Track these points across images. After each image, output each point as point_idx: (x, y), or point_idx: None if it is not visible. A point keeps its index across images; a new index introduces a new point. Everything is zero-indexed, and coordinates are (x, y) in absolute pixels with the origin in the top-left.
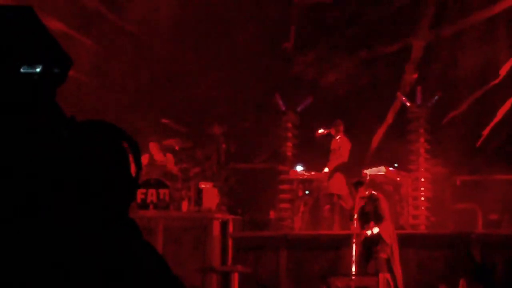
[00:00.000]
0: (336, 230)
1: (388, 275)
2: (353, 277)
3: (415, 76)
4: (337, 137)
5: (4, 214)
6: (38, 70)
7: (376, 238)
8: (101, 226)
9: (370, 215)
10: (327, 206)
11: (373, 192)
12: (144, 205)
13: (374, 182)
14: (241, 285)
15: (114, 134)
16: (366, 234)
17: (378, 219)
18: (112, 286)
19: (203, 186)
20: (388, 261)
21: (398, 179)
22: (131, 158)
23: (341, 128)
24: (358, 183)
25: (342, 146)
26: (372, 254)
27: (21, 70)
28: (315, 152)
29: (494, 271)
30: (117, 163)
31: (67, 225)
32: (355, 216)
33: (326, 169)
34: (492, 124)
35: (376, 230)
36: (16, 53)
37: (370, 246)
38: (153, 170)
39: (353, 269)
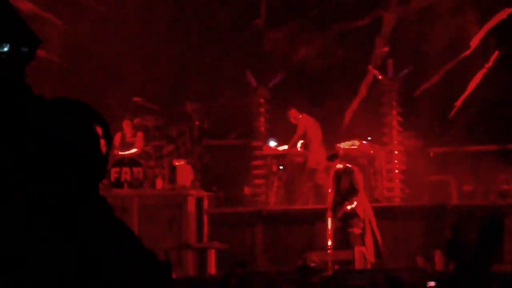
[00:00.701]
0: (311, 205)
1: (363, 248)
2: (329, 251)
3: (386, 49)
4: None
5: None
6: (5, 49)
7: (350, 213)
8: (72, 203)
9: (345, 189)
10: (308, 184)
11: (348, 165)
12: (118, 184)
13: (348, 156)
14: (218, 261)
15: (83, 112)
16: (346, 209)
17: (353, 192)
18: (84, 263)
19: (177, 163)
20: (362, 235)
21: (372, 152)
22: (100, 136)
23: (292, 114)
24: (333, 156)
25: (305, 128)
26: (347, 228)
27: None
28: (288, 127)
29: (467, 243)
30: (86, 141)
31: (37, 203)
32: (329, 190)
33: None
34: (464, 96)
35: (355, 203)
36: None
37: (345, 220)
38: (125, 149)
39: (329, 243)
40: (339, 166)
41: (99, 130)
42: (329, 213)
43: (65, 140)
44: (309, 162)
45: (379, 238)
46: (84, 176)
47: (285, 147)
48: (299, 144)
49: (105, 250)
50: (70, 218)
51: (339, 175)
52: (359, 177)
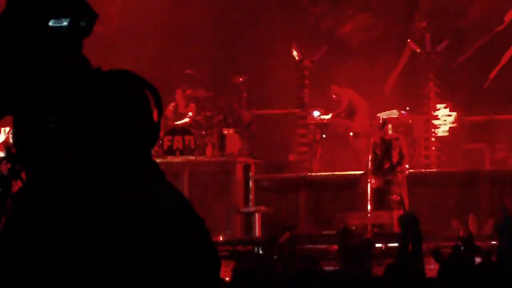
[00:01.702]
0: (352, 171)
1: (400, 212)
2: (369, 214)
3: (424, 24)
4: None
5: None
6: (65, 23)
7: (391, 179)
8: (127, 167)
9: (393, 155)
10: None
11: (394, 133)
12: (170, 152)
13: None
14: (263, 224)
15: (137, 83)
16: (398, 174)
17: (401, 158)
18: (138, 225)
19: (225, 132)
20: (401, 201)
21: (410, 121)
22: (153, 105)
23: (333, 91)
24: (385, 123)
25: (349, 100)
26: (387, 194)
27: (50, 24)
28: (331, 98)
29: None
30: (140, 110)
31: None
32: (369, 156)
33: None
34: (497, 68)
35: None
36: (45, 9)
37: (385, 186)
38: (178, 119)
39: (369, 207)
40: (390, 132)
41: (151, 99)
42: (370, 178)
43: (121, 108)
44: (354, 128)
45: (406, 205)
46: (137, 142)
47: (328, 116)
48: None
49: (157, 212)
50: (127, 181)
51: (389, 142)
52: (405, 146)
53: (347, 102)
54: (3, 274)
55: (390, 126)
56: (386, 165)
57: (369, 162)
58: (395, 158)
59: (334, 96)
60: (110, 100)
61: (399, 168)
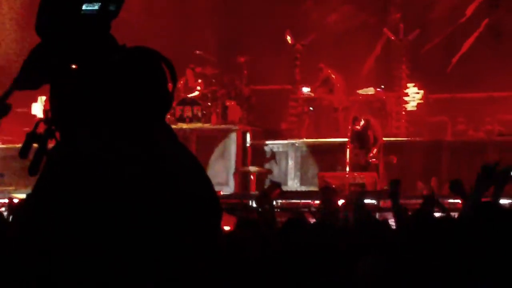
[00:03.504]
0: (334, 138)
1: (375, 174)
2: (347, 175)
3: (398, 15)
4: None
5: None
6: (97, 7)
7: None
8: (146, 128)
9: (368, 139)
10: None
11: (368, 119)
12: (181, 119)
13: (366, 100)
14: (257, 182)
15: (156, 58)
16: (369, 156)
17: (375, 141)
18: (153, 176)
19: (228, 104)
20: (376, 165)
21: (384, 97)
22: (168, 77)
23: (324, 74)
24: (355, 119)
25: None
26: (364, 158)
27: (83, 7)
28: (317, 77)
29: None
30: (157, 80)
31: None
32: (349, 126)
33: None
34: (459, 54)
35: (375, 151)
36: None
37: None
38: (188, 92)
39: (347, 169)
40: (362, 123)
41: (167, 72)
42: (349, 145)
43: (142, 79)
44: (333, 103)
45: (381, 169)
46: (155, 108)
47: (308, 89)
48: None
49: (170, 166)
50: (147, 138)
51: (361, 133)
52: (378, 128)
53: (323, 78)
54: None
55: (361, 120)
56: (363, 149)
57: (348, 141)
58: (370, 141)
59: (319, 71)
60: (134, 72)
61: (374, 148)
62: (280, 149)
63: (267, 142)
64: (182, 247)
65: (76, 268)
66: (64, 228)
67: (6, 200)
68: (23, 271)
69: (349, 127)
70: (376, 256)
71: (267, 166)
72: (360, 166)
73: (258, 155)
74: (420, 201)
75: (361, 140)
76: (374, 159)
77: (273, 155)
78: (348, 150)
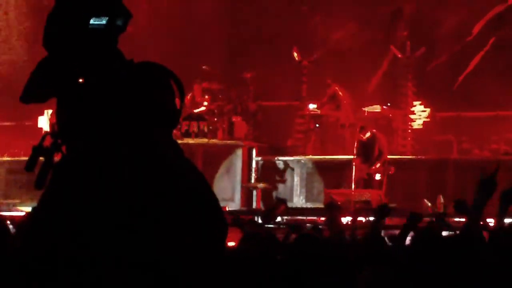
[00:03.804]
0: (340, 155)
1: (381, 192)
2: (352, 192)
3: (405, 33)
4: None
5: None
6: (104, 22)
7: (371, 173)
8: (152, 143)
9: (373, 152)
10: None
11: (374, 131)
12: (187, 134)
13: (372, 118)
14: (263, 198)
15: (163, 73)
16: (372, 169)
17: (380, 155)
18: (159, 192)
19: (234, 119)
20: (381, 182)
21: (390, 115)
22: (176, 93)
23: (331, 90)
24: (362, 128)
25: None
26: (370, 175)
27: (91, 22)
28: (325, 93)
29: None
30: (164, 95)
31: (125, 142)
32: (355, 144)
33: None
34: (466, 72)
35: (378, 165)
36: (87, 8)
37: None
38: (194, 107)
39: (353, 186)
40: (368, 135)
41: (175, 88)
42: (355, 161)
43: (149, 94)
44: (340, 120)
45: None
46: (162, 123)
47: (315, 106)
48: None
49: (181, 177)
50: (154, 153)
51: (366, 143)
52: (384, 142)
53: (330, 94)
54: (47, 232)
55: (368, 132)
56: (367, 162)
57: (354, 153)
58: (375, 154)
59: (327, 87)
60: (141, 87)
61: (378, 163)
62: (286, 166)
63: (273, 158)
64: (186, 261)
65: (79, 278)
66: (69, 240)
67: (13, 213)
68: (28, 283)
69: (356, 137)
70: (377, 267)
71: (272, 182)
72: (363, 180)
73: (264, 171)
74: (427, 219)
75: (366, 152)
76: (378, 173)
77: (279, 172)
78: (354, 167)
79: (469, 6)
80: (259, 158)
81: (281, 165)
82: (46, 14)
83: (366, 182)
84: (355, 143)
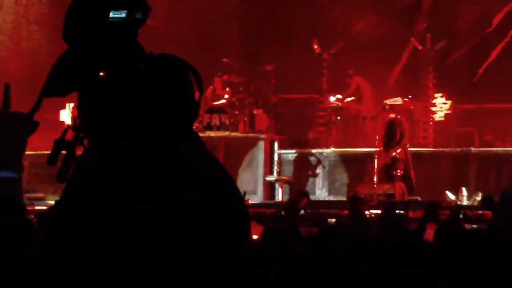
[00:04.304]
0: (362, 147)
1: (402, 184)
2: (375, 185)
3: (425, 25)
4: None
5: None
6: (123, 15)
7: (395, 156)
8: (172, 136)
9: (394, 136)
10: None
11: (398, 116)
12: (209, 127)
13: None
14: (285, 191)
15: (182, 66)
16: (392, 154)
17: (399, 141)
18: (180, 186)
19: (255, 112)
20: (402, 175)
21: (412, 107)
22: (195, 86)
23: (354, 81)
24: (391, 107)
25: (357, 86)
26: (391, 168)
27: (111, 15)
28: (345, 86)
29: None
30: (184, 88)
31: (146, 135)
32: (377, 137)
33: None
34: (486, 64)
35: (399, 151)
36: (106, 1)
37: (391, 162)
38: (215, 100)
39: (375, 179)
40: (392, 116)
41: (193, 80)
42: (376, 155)
43: (169, 87)
44: (362, 112)
45: (413, 177)
46: (182, 116)
47: (339, 96)
48: (349, 99)
49: (202, 170)
50: (174, 146)
51: (391, 123)
52: (406, 127)
53: (354, 86)
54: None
55: (393, 111)
56: (389, 143)
57: (377, 141)
58: (396, 137)
59: (348, 79)
60: (161, 80)
61: (398, 147)
62: (308, 158)
63: (295, 151)
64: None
65: (103, 274)
66: (92, 234)
67: (36, 207)
68: (51, 279)
69: (381, 117)
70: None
71: (294, 175)
72: (385, 172)
73: (286, 164)
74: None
75: (388, 134)
76: (400, 170)
77: (301, 164)
78: (376, 160)
79: None
80: (281, 151)
81: (303, 158)
82: (65, 6)
83: (388, 173)
84: (379, 124)
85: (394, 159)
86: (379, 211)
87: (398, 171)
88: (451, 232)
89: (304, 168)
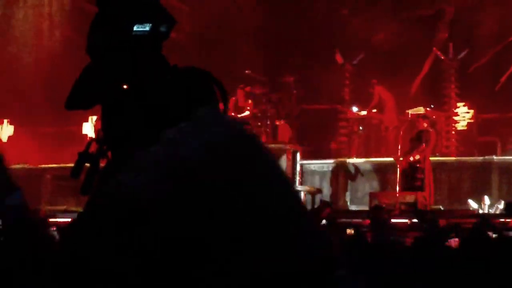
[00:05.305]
0: (384, 157)
1: (425, 193)
2: (397, 194)
3: (447, 35)
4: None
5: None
6: (147, 28)
7: (415, 165)
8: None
9: (420, 143)
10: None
11: (430, 127)
12: None
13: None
14: (307, 201)
15: (206, 78)
16: (409, 159)
17: (425, 148)
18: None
19: (278, 123)
20: (423, 184)
21: (434, 117)
22: (219, 97)
23: (376, 89)
24: (424, 116)
25: (379, 97)
26: (412, 178)
27: (135, 28)
28: (367, 96)
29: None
30: (209, 101)
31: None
32: (399, 146)
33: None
34: (508, 73)
35: (417, 157)
36: (130, 15)
37: (411, 171)
38: (238, 112)
39: (397, 188)
40: (425, 125)
41: (218, 92)
42: (399, 164)
43: (193, 99)
44: (384, 122)
45: (432, 188)
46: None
47: (365, 112)
48: (373, 110)
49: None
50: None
51: (419, 132)
52: (433, 138)
53: (378, 97)
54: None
55: (427, 121)
56: (412, 150)
57: (400, 150)
58: (422, 146)
59: (371, 89)
60: (185, 93)
61: (416, 153)
62: (330, 169)
63: (317, 161)
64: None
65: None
66: (115, 248)
67: (57, 220)
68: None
69: (415, 125)
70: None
71: (317, 185)
72: (407, 180)
73: (308, 175)
74: (472, 220)
75: (414, 141)
76: (419, 181)
77: (323, 175)
78: (398, 170)
79: (509, 6)
80: (304, 161)
81: (325, 168)
82: (89, 21)
83: (410, 182)
84: (414, 132)
85: (413, 167)
86: (404, 220)
87: (417, 181)
88: (478, 241)
89: (327, 178)
